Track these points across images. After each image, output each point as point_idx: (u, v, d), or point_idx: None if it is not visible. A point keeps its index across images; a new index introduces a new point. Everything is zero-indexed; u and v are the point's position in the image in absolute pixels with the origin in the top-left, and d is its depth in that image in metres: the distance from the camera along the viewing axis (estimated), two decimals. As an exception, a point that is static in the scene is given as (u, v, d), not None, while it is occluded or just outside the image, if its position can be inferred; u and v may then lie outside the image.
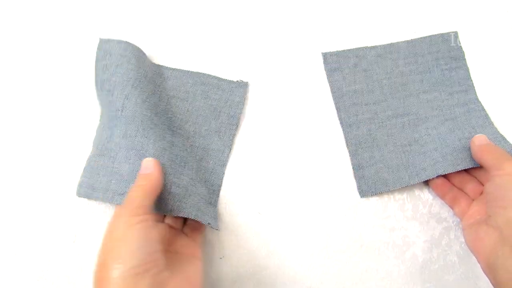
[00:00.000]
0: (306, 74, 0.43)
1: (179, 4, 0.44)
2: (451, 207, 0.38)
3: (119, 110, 0.36)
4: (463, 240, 0.39)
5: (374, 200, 0.39)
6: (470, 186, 0.37)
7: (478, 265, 0.38)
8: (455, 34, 0.44)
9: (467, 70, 0.43)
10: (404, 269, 0.38)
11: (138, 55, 0.39)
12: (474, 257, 0.38)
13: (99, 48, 0.39)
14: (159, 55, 0.42)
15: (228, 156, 0.40)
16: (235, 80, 0.42)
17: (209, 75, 0.42)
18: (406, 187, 0.39)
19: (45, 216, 0.38)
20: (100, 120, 0.40)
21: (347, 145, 0.40)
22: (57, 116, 0.41)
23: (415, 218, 0.39)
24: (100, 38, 0.39)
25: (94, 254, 0.36)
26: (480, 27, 0.45)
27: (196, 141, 0.40)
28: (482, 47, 0.44)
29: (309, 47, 0.44)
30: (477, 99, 0.42)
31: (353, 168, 0.40)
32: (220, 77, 0.42)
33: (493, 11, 0.46)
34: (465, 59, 0.43)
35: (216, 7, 0.45)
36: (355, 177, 0.40)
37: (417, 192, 0.40)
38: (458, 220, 0.39)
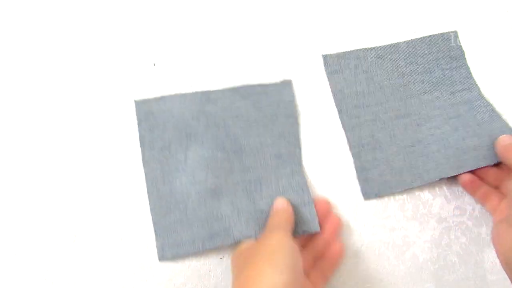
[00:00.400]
0: (307, 76, 0.43)
1: (178, 6, 0.44)
2: (482, 204, 0.38)
3: (181, 162, 0.38)
4: (463, 240, 0.39)
5: (374, 200, 0.39)
6: (505, 183, 0.37)
7: (479, 265, 0.38)
8: (455, 33, 0.44)
9: (467, 69, 0.43)
10: (404, 269, 0.38)
11: (179, 101, 0.40)
12: (474, 257, 0.38)
13: (138, 111, 0.40)
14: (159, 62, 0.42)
15: (300, 154, 0.40)
16: (278, 81, 0.41)
17: (251, 85, 0.41)
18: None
19: (45, 216, 0.38)
20: (147, 182, 0.38)
21: (350, 147, 0.40)
22: (57, 116, 0.40)
23: (415, 218, 0.39)
24: (135, 101, 0.40)
25: (94, 254, 0.36)
26: (480, 27, 0.45)
27: (266, 151, 0.39)
28: (482, 47, 0.44)
29: (309, 49, 0.44)
30: (481, 95, 0.42)
31: (356, 170, 0.40)
32: (263, 83, 0.41)
33: (493, 11, 0.46)
34: (465, 58, 0.43)
35: (215, 10, 0.44)
36: (359, 179, 0.39)
37: (417, 192, 0.40)
38: (458, 220, 0.39)
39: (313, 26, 0.44)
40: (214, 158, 0.38)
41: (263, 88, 0.41)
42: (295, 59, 0.43)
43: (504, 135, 0.38)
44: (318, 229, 0.36)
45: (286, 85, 0.41)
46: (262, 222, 0.36)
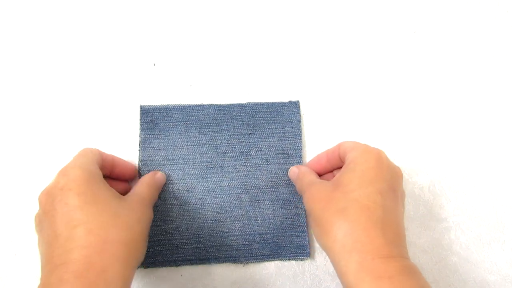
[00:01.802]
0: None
1: (178, 6, 0.44)
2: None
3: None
4: (463, 240, 0.39)
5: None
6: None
7: (479, 265, 0.38)
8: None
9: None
10: (404, 269, 0.38)
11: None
12: (474, 257, 0.38)
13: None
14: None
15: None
16: (285, 101, 0.41)
17: (259, 103, 0.41)
18: (406, 187, 0.39)
19: (45, 216, 0.38)
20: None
21: None
22: (57, 116, 0.41)
23: (415, 218, 0.39)
24: (141, 106, 0.40)
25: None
26: (480, 27, 0.45)
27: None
28: (483, 47, 0.44)
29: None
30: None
31: None
32: (272, 101, 0.41)
33: (493, 11, 0.46)
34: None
35: (215, 10, 0.45)
36: None
37: (417, 192, 0.40)
38: (458, 220, 0.39)
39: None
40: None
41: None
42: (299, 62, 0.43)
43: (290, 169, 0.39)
44: (306, 257, 0.37)
45: (293, 105, 0.41)
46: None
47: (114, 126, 0.40)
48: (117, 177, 0.37)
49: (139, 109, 0.40)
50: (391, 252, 0.28)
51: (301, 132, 0.40)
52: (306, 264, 0.38)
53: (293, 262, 0.38)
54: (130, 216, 0.30)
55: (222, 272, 0.37)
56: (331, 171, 0.38)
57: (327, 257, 0.38)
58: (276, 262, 0.38)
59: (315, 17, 0.45)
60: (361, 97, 0.42)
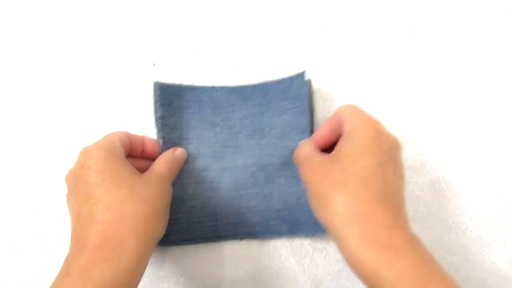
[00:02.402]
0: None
1: (178, 6, 0.44)
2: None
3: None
4: (463, 240, 0.39)
5: (374, 200, 0.39)
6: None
7: (479, 265, 0.38)
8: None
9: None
10: (404, 269, 0.38)
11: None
12: (474, 257, 0.38)
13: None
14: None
15: None
16: (293, 74, 0.40)
17: (271, 81, 0.41)
18: (406, 187, 0.39)
19: (45, 216, 0.38)
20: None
21: None
22: (57, 116, 0.41)
23: (415, 218, 0.39)
24: (158, 83, 0.39)
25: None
26: (480, 27, 0.45)
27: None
28: (483, 47, 0.44)
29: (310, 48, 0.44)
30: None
31: None
32: (279, 78, 0.41)
33: (493, 11, 0.46)
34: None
35: (215, 10, 0.45)
36: None
37: (417, 192, 0.40)
38: (458, 220, 0.39)
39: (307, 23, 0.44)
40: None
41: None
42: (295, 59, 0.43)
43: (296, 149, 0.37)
44: (324, 233, 0.36)
45: (300, 76, 0.40)
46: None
47: (114, 126, 0.40)
48: (148, 157, 0.37)
49: (152, 88, 0.39)
50: (394, 223, 0.28)
51: (308, 104, 0.39)
52: (306, 264, 0.38)
53: (292, 261, 0.38)
54: (147, 192, 0.31)
55: (222, 274, 0.37)
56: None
57: (327, 257, 0.38)
58: (275, 261, 0.38)
59: (315, 17, 0.45)
60: (361, 97, 0.42)
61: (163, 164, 0.35)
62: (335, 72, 0.43)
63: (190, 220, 0.37)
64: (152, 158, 0.36)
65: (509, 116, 0.42)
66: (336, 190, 0.29)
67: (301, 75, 0.39)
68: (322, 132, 0.35)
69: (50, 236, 0.37)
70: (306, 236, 0.37)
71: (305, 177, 0.33)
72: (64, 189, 0.38)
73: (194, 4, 0.45)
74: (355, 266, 0.27)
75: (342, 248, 0.28)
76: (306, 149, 0.35)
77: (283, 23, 0.44)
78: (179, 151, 0.37)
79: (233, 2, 0.45)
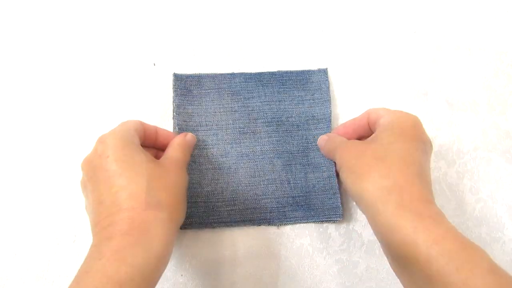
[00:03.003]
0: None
1: (178, 6, 0.44)
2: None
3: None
4: (463, 240, 0.39)
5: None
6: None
7: (478, 265, 0.38)
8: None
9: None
10: (404, 269, 0.38)
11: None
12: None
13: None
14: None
15: None
16: (314, 68, 0.42)
17: (290, 71, 0.42)
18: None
19: (45, 216, 0.38)
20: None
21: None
22: (57, 116, 0.41)
23: (415, 218, 0.39)
24: (175, 74, 0.40)
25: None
26: (480, 27, 0.45)
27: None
28: (483, 47, 0.44)
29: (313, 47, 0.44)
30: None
31: None
32: (300, 69, 0.42)
33: (493, 11, 0.46)
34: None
35: (215, 10, 0.45)
36: None
37: (417, 192, 0.40)
38: (458, 220, 0.39)
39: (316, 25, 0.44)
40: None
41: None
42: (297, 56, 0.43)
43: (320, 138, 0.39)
44: (339, 218, 0.38)
45: (322, 72, 0.42)
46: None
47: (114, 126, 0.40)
48: (160, 147, 0.37)
49: (172, 78, 0.40)
50: (428, 198, 0.29)
51: (330, 98, 0.41)
52: (306, 264, 0.38)
53: (292, 261, 0.38)
54: (167, 179, 0.31)
55: (222, 274, 0.37)
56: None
57: (327, 257, 0.38)
58: (275, 260, 0.38)
59: (315, 17, 0.45)
60: (360, 96, 0.42)
61: (177, 149, 0.35)
62: (335, 72, 0.43)
63: (208, 205, 0.38)
64: (164, 149, 0.37)
65: (509, 116, 0.42)
66: (376, 163, 0.31)
67: (323, 71, 0.42)
68: (345, 130, 0.37)
69: (50, 236, 0.37)
70: (323, 221, 0.38)
71: (342, 157, 0.34)
72: (67, 186, 0.38)
73: (194, 4, 0.45)
74: (390, 231, 0.28)
75: (376, 216, 0.29)
76: (338, 138, 0.37)
77: (283, 23, 0.45)
78: (189, 136, 0.38)
79: (233, 2, 0.45)
